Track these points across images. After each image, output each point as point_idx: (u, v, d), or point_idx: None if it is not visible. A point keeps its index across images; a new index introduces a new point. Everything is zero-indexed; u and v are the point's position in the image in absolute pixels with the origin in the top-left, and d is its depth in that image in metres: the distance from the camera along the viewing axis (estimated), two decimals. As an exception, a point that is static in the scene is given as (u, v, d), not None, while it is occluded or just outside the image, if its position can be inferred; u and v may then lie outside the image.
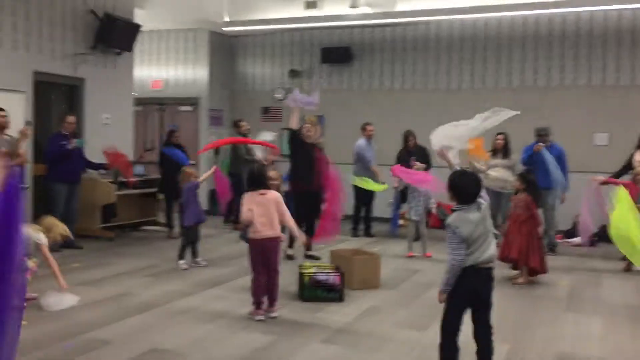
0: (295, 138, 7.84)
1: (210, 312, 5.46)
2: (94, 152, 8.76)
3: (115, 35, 9.79)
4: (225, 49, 12.92)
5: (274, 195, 5.37)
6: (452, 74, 11.42)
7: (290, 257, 7.67)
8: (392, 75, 11.86)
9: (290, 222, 5.39)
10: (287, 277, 6.00)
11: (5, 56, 8.39)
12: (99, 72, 9.88)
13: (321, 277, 5.86)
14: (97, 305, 5.59)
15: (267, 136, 9.31)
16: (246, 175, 5.65)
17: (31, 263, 5.35)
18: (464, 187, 3.74)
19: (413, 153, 9.33)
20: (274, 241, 5.29)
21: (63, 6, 9.25)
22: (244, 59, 13.05)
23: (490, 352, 3.84)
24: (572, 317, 5.57)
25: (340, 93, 12.16)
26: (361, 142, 9.83)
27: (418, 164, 8.33)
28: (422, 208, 8.18)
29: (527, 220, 6.81)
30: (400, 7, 10.65)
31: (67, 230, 5.81)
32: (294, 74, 12.46)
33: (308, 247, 7.70)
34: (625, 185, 7.03)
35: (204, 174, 7.92)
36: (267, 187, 5.43)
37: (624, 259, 6.96)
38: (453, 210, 3.74)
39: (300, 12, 11.10)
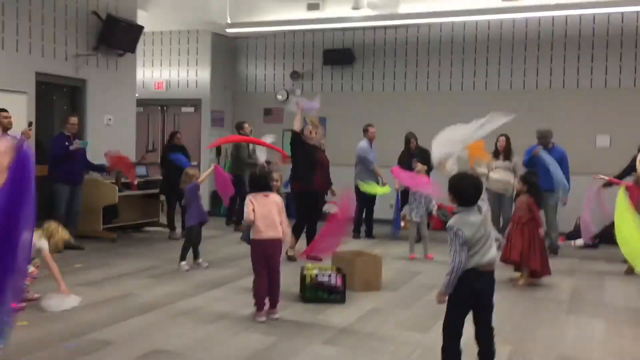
0: (297, 139, 7.86)
1: (212, 313, 5.46)
2: (95, 154, 8.78)
3: (118, 37, 9.81)
4: (228, 51, 12.94)
5: (276, 198, 5.41)
6: (454, 76, 11.43)
7: (291, 259, 7.67)
8: (394, 77, 11.86)
9: (286, 227, 5.41)
10: (288, 279, 6.01)
11: (8, 57, 8.41)
12: (101, 73, 9.90)
13: (323, 279, 5.86)
14: (98, 306, 5.60)
15: (267, 139, 9.32)
16: (249, 178, 5.67)
17: (32, 267, 5.38)
18: (465, 189, 3.74)
19: (414, 155, 9.34)
20: (276, 242, 5.29)
21: (66, 7, 9.27)
22: (246, 61, 13.07)
23: (491, 354, 3.83)
24: (573, 319, 5.56)
25: (342, 95, 12.17)
26: (363, 143, 9.83)
27: (420, 165, 8.33)
28: (423, 209, 8.18)
29: (529, 222, 6.80)
30: (402, 9, 10.68)
31: (69, 235, 5.84)
32: (296, 75, 12.48)
33: (291, 257, 7.68)
34: (628, 187, 7.03)
35: (203, 173, 7.84)
36: (270, 190, 5.48)
37: (626, 261, 6.95)
38: (454, 213, 3.75)
39: (302, 13, 11.12)
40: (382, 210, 10.29)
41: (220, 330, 5.02)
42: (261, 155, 9.83)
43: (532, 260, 6.68)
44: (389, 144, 10.24)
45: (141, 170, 9.87)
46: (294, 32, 12.21)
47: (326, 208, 9.13)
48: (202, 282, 6.66)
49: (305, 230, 7.96)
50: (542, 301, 6.20)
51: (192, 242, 7.37)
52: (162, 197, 9.86)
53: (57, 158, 8.21)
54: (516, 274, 6.92)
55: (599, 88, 10.50)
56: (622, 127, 10.09)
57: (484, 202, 3.81)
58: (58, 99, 9.72)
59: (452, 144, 4.65)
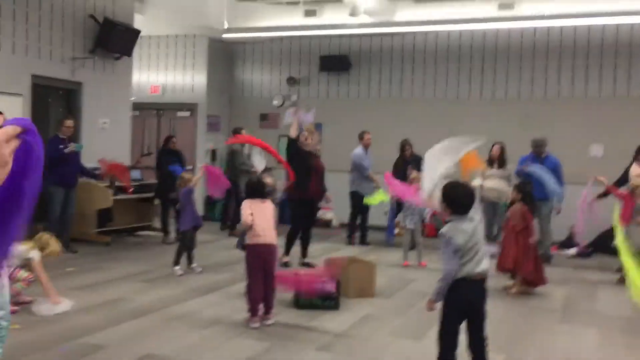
0: (293, 145, 7.87)
1: (206, 318, 5.45)
2: (90, 157, 8.75)
3: (115, 40, 9.79)
4: (224, 56, 12.95)
5: (271, 205, 5.51)
6: (450, 84, 11.47)
7: (285, 265, 7.67)
8: (390, 84, 11.90)
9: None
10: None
11: (4, 59, 8.38)
12: (97, 76, 9.88)
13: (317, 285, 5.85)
14: (91, 310, 5.58)
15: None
16: (246, 185, 5.70)
17: (25, 273, 5.37)
18: (458, 198, 3.76)
19: (409, 162, 9.36)
20: (272, 247, 5.34)
21: (62, 10, 9.26)
22: (243, 66, 13.08)
23: (485, 362, 3.84)
24: (567, 328, 5.58)
25: (338, 101, 12.19)
26: (358, 150, 9.84)
27: (415, 173, 8.34)
28: (417, 217, 8.20)
29: (523, 231, 6.82)
30: (398, 17, 10.72)
31: (62, 246, 5.86)
32: (292, 81, 12.50)
33: (286, 264, 7.70)
34: (623, 196, 7.06)
35: (194, 177, 7.74)
36: (266, 197, 5.52)
37: (619, 270, 6.96)
38: (447, 222, 3.77)
39: (299, 20, 11.15)
40: (377, 217, 10.29)
41: (214, 335, 5.01)
42: (260, 164, 9.83)
43: (524, 268, 6.70)
44: (384, 151, 10.26)
45: (136, 174, 9.85)
46: (290, 38, 12.24)
47: (320, 214, 9.15)
48: (195, 286, 6.65)
49: (300, 236, 7.96)
50: (535, 310, 6.22)
51: (186, 246, 7.36)
52: (157, 201, 9.84)
53: (51, 161, 8.18)
54: (510, 283, 6.93)
55: (593, 97, 10.56)
56: (616, 136, 10.13)
57: (477, 211, 3.83)
58: (54, 102, 9.70)
59: (439, 177, 4.42)
